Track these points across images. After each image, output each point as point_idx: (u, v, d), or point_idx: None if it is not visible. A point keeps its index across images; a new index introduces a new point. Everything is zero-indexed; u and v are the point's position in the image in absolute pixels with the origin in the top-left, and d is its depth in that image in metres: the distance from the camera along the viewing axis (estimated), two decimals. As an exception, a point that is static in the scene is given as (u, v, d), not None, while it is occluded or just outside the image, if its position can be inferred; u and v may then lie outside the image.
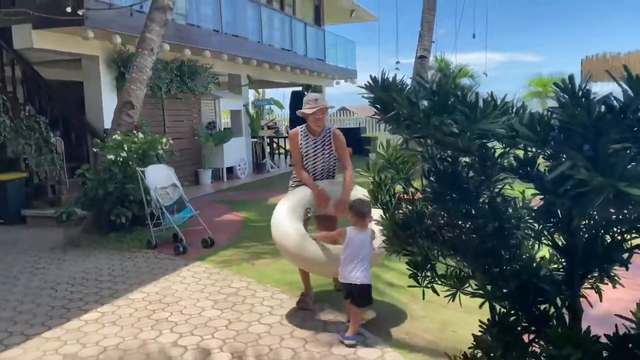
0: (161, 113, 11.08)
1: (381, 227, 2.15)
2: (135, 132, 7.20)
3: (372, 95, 1.64)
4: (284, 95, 24.71)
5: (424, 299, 2.16)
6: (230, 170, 13.30)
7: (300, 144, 4.23)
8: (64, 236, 7.05)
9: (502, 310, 1.72)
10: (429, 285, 2.04)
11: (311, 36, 16.72)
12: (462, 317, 3.83)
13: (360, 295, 3.51)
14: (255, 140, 14.74)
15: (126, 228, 6.82)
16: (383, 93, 1.59)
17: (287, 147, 18.98)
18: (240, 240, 6.67)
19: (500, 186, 1.69)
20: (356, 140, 18.97)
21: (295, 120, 19.06)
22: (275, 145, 18.55)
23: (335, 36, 18.74)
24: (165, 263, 5.74)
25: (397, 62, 22.73)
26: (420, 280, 2.05)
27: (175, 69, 10.79)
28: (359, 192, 3.99)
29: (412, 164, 2.10)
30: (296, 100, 18.83)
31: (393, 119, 1.58)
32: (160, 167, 6.77)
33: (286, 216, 3.92)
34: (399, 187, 2.14)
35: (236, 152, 13.28)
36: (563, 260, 1.67)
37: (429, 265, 2.01)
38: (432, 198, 1.79)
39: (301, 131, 4.28)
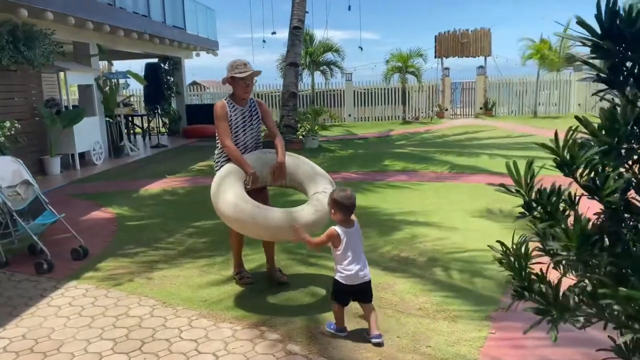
0: (-11, 89, 8.90)
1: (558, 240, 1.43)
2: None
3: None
4: (131, 67, 22.30)
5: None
6: (82, 156, 11.38)
7: (229, 116, 3.95)
8: None
9: None
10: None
11: (169, 1, 14.98)
12: (426, 324, 3.28)
13: (369, 290, 3.19)
14: (111, 120, 12.83)
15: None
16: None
17: (146, 126, 17.13)
18: (121, 246, 5.40)
19: None
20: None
21: (150, 95, 17.22)
22: (131, 125, 16.56)
23: (194, 2, 17.09)
24: (26, 288, 4.34)
25: (273, 33, 21.47)
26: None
27: (7, 33, 8.66)
28: (292, 155, 4.04)
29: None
30: (152, 73, 16.94)
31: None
32: (5, 161, 5.18)
33: (230, 190, 3.58)
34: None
35: (90, 135, 11.37)
36: None
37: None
38: None
39: (227, 103, 4.01)
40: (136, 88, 20.13)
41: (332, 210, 3.17)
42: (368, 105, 21.16)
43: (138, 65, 29.80)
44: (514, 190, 1.57)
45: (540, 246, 1.55)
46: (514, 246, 1.60)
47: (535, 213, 1.52)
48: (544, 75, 20.64)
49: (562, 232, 1.40)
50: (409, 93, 20.81)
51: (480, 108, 20.73)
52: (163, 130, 17.73)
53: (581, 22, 1.29)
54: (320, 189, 3.73)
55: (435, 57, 21.24)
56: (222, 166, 3.94)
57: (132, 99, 19.08)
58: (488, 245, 1.79)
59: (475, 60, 21.30)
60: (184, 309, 3.76)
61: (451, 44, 20.95)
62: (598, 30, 1.30)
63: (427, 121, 19.94)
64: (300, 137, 12.93)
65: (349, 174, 9.07)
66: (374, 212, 6.33)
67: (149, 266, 4.71)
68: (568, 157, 1.43)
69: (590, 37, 1.30)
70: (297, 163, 4.01)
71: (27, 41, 9.06)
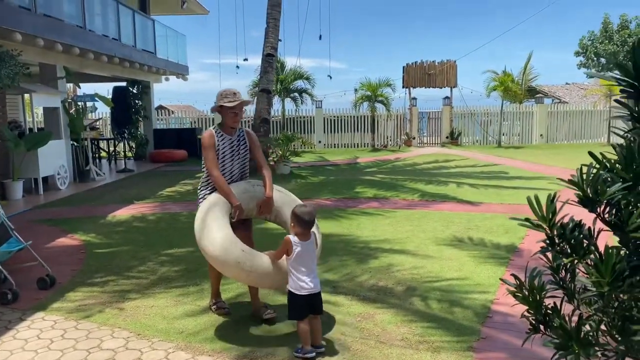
0: (-49, 110, 8.58)
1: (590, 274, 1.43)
2: None
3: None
4: (97, 90, 21.88)
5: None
6: (45, 180, 11.03)
7: (217, 145, 3.90)
8: None
9: None
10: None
11: (140, 25, 14.90)
12: (410, 355, 3.27)
13: (320, 302, 3.38)
14: (76, 143, 12.52)
15: None
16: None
17: (112, 150, 16.80)
18: (90, 275, 5.21)
19: None
20: (192, 142, 17.62)
21: (117, 119, 16.92)
22: (97, 148, 16.20)
23: (165, 27, 17.05)
24: (-11, 319, 4.12)
25: (245, 60, 21.55)
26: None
27: (-28, 53, 8.43)
28: (280, 190, 4.05)
29: None
30: (120, 96, 16.71)
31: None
32: (-31, 185, 4.97)
33: (218, 228, 3.48)
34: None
35: (54, 158, 11.05)
36: None
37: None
38: None
39: (215, 132, 3.95)
40: (103, 111, 19.79)
41: (292, 224, 3.35)
42: (338, 132, 21.38)
43: (104, 89, 29.42)
44: (535, 224, 1.58)
45: (553, 279, 1.57)
46: (527, 279, 1.61)
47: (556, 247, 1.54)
48: (507, 106, 21.34)
49: (591, 267, 1.42)
50: (377, 121, 21.14)
51: (447, 137, 21.21)
52: (129, 154, 17.42)
53: (618, 64, 1.35)
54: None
55: (403, 87, 21.73)
56: (207, 195, 3.88)
57: (98, 122, 18.70)
58: (500, 279, 1.80)
59: (441, 90, 21.90)
60: (160, 341, 3.63)
61: (418, 75, 21.48)
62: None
63: (395, 149, 20.25)
64: (272, 163, 12.90)
65: (322, 201, 9.08)
66: (349, 240, 6.32)
67: (121, 296, 4.56)
68: (591, 193, 1.46)
69: (624, 78, 1.36)
70: (284, 200, 3.96)
71: (-7, 62, 8.82)
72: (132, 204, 9.29)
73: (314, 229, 3.47)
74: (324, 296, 3.70)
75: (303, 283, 3.26)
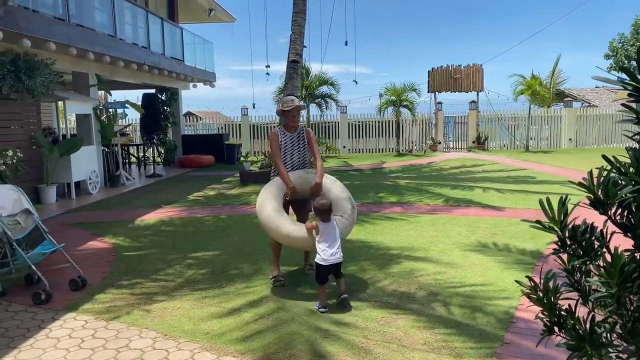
0: (-12, 117, 8.94)
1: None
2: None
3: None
4: (127, 97, 22.38)
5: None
6: (77, 185, 11.36)
7: (280, 140, 4.95)
8: None
9: None
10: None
11: (168, 34, 15.23)
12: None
13: (340, 268, 4.33)
14: (107, 149, 12.86)
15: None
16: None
17: (142, 156, 17.17)
18: (119, 277, 5.37)
19: None
20: (219, 148, 17.85)
21: (146, 125, 17.29)
22: (127, 154, 16.57)
23: (193, 35, 17.38)
24: (23, 319, 4.29)
25: (267, 67, 21.79)
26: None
27: (9, 63, 8.77)
28: (329, 178, 4.93)
29: None
30: (149, 103, 17.06)
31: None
32: (5, 189, 5.18)
33: (268, 201, 4.65)
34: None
35: (86, 164, 11.37)
36: None
37: None
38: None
39: (280, 131, 5.02)
40: (133, 118, 20.26)
41: (316, 215, 4.35)
42: (362, 137, 21.39)
43: (134, 96, 30.09)
44: (546, 227, 1.60)
45: (568, 282, 1.58)
46: (542, 281, 1.63)
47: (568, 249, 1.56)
48: (535, 110, 21.03)
49: (601, 268, 1.44)
50: (402, 126, 21.08)
51: (473, 142, 21.00)
52: (158, 159, 17.77)
53: (624, 68, 1.37)
54: (340, 213, 4.61)
55: (428, 91, 21.63)
56: (272, 179, 4.93)
57: (128, 128, 19.15)
58: (516, 281, 1.83)
59: (467, 95, 21.71)
60: (186, 341, 3.73)
61: (444, 79, 21.36)
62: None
63: (421, 154, 20.15)
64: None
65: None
66: (372, 245, 6.34)
67: (148, 298, 4.68)
68: (602, 196, 1.48)
69: (630, 82, 1.38)
70: (330, 186, 4.83)
71: (28, 70, 9.16)
72: (160, 208, 9.49)
73: (338, 216, 4.54)
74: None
75: (325, 255, 4.19)
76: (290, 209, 5.00)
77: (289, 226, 4.47)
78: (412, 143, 21.28)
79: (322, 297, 4.22)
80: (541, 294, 1.60)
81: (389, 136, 21.26)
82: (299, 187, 4.78)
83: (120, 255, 6.30)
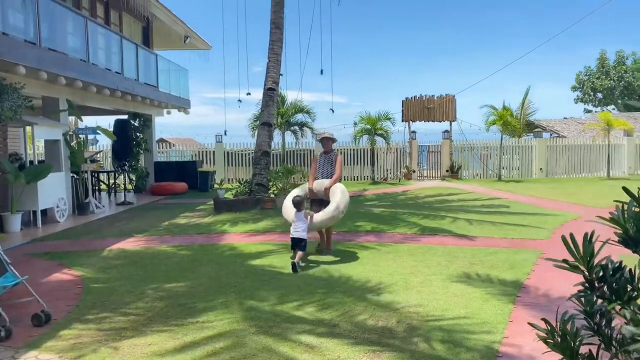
0: (-48, 142, 8.57)
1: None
2: None
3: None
4: (98, 123, 21.94)
5: None
6: (44, 213, 10.96)
7: (318, 161, 7.72)
8: None
9: None
10: None
11: (143, 60, 15.07)
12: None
13: (298, 243, 6.78)
14: (76, 176, 12.49)
15: None
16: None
17: (112, 183, 16.76)
18: (86, 311, 5.09)
19: None
20: (192, 175, 17.59)
21: (118, 152, 16.91)
22: (97, 181, 16.16)
23: (168, 62, 17.26)
24: (-20, 358, 3.99)
25: (248, 94, 21.60)
26: None
27: (-25, 86, 8.47)
28: (339, 185, 7.42)
29: None
30: (121, 129, 16.76)
31: None
32: (-34, 218, 4.89)
33: (292, 193, 7.56)
34: None
35: (54, 191, 11.01)
36: None
37: None
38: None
39: (320, 154, 7.81)
40: (103, 144, 19.87)
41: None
42: (337, 165, 21.34)
43: (106, 121, 29.59)
44: (571, 266, 1.50)
45: (587, 325, 1.48)
46: (559, 324, 1.52)
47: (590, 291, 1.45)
48: (506, 140, 21.44)
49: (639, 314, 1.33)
50: (377, 154, 21.19)
51: (447, 170, 21.23)
52: (130, 187, 17.38)
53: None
54: (328, 208, 7.13)
55: (402, 120, 21.87)
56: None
57: (99, 155, 18.74)
58: (529, 323, 1.71)
59: (440, 124, 22.02)
60: (156, 382, 3.50)
61: (418, 109, 21.66)
62: None
63: (395, 182, 20.23)
64: (272, 195, 12.84)
65: (323, 235, 8.95)
66: (350, 276, 6.20)
67: (117, 333, 4.43)
68: (633, 232, 1.38)
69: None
70: (334, 190, 7.29)
71: (-4, 95, 8.87)
72: (131, 237, 9.19)
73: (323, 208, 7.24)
74: (319, 339, 3.57)
75: (292, 230, 6.91)
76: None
77: (290, 210, 7.13)
78: (387, 171, 21.38)
79: (296, 256, 6.69)
80: (559, 339, 1.50)
81: (364, 164, 21.33)
82: (317, 189, 7.44)
83: (88, 287, 6.01)
